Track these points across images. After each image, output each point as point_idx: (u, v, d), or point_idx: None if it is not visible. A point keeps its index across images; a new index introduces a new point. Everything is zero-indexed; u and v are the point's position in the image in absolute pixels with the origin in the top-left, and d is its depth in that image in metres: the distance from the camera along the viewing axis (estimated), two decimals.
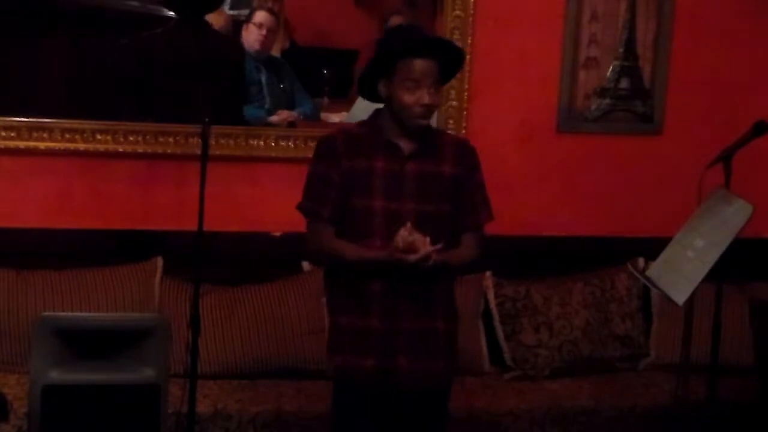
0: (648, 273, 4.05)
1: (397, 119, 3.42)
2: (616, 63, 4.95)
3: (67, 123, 4.51)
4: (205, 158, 3.89)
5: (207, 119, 3.91)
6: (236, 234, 4.62)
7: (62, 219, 4.55)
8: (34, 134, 4.50)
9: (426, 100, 3.37)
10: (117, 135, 4.56)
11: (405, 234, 3.26)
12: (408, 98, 3.36)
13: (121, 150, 4.56)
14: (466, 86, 4.77)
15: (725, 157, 3.91)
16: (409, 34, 3.54)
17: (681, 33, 4.98)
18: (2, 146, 4.48)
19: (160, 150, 4.59)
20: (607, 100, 4.96)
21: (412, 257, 3.26)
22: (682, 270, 3.82)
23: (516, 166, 4.90)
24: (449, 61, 3.45)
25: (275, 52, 5.09)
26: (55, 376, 3.59)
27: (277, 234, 4.65)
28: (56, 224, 4.53)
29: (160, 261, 4.59)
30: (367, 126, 3.50)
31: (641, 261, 4.82)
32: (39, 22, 4.61)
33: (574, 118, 4.94)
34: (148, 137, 4.58)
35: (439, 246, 3.30)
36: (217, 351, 4.43)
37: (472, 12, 4.74)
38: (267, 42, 4.99)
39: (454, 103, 4.79)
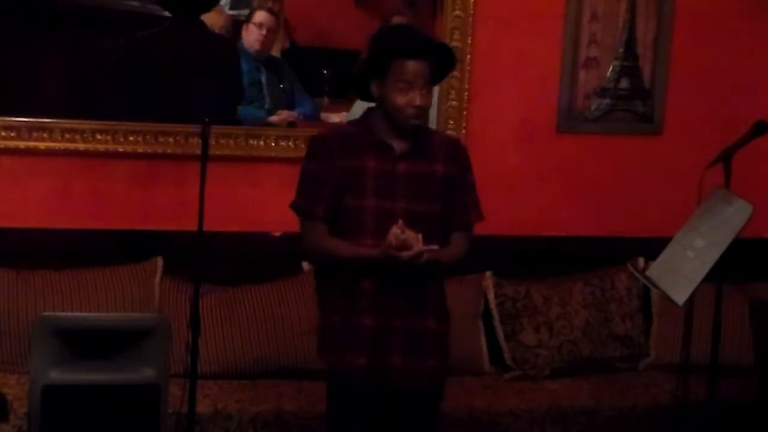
0: (648, 273, 4.05)
1: (389, 119, 3.43)
2: (616, 63, 4.95)
3: (67, 123, 4.51)
4: (205, 158, 3.89)
5: (207, 119, 3.91)
6: (236, 234, 4.62)
7: (62, 219, 4.55)
8: (34, 134, 4.50)
9: (418, 101, 3.37)
10: (117, 135, 4.56)
11: (397, 232, 3.27)
12: (400, 99, 3.37)
13: (121, 150, 4.56)
14: (466, 86, 4.77)
15: (725, 157, 3.91)
16: (401, 34, 3.54)
17: (681, 33, 4.98)
18: (2, 146, 4.48)
19: (160, 150, 4.59)
20: (607, 100, 4.96)
21: (405, 254, 3.26)
22: (682, 270, 3.82)
23: (516, 166, 4.91)
24: (441, 61, 3.45)
25: (275, 52, 5.09)
26: (55, 376, 3.59)
27: (277, 234, 4.65)
28: (56, 224, 4.53)
29: (160, 261, 4.58)
30: (359, 125, 3.52)
31: (641, 261, 4.82)
32: (39, 22, 4.60)
33: (574, 118, 4.94)
34: (148, 137, 4.58)
35: (433, 247, 3.30)
36: (217, 351, 4.43)
37: (472, 12, 4.74)
38: (267, 42, 4.99)
39: (454, 103, 4.79)
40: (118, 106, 4.66)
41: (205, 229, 3.88)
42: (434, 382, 3.55)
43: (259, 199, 4.66)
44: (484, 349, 4.74)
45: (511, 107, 4.87)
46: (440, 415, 3.63)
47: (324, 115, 5.04)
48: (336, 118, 4.96)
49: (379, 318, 3.42)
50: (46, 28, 4.63)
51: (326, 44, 5.22)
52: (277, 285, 4.60)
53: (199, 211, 3.85)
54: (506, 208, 4.87)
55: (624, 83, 4.96)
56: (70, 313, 4.21)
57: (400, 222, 3.29)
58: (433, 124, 4.78)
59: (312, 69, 5.12)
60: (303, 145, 4.63)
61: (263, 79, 5.01)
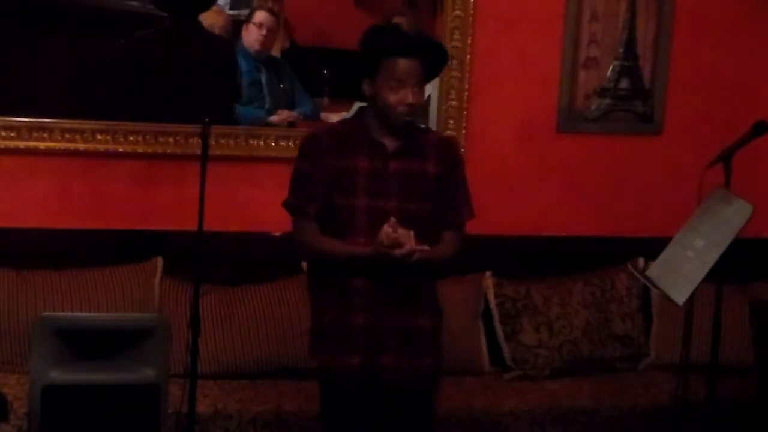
0: (648, 273, 4.06)
1: (381, 117, 3.43)
2: (616, 63, 4.95)
3: (67, 123, 4.51)
4: (205, 158, 3.89)
5: (207, 119, 3.91)
6: (236, 234, 4.62)
7: (62, 219, 4.55)
8: (34, 134, 4.50)
9: (410, 99, 3.38)
10: (117, 135, 4.56)
11: (389, 231, 3.27)
12: (392, 97, 3.38)
13: (121, 150, 4.56)
14: (466, 86, 4.77)
15: (725, 157, 3.91)
16: (390, 33, 3.54)
17: (681, 33, 4.98)
18: (2, 146, 4.48)
19: (160, 150, 4.59)
20: (607, 100, 4.96)
21: (397, 252, 3.26)
22: (682, 270, 3.82)
23: (516, 166, 4.91)
24: (433, 59, 3.45)
25: (275, 52, 5.09)
26: (55, 376, 3.59)
27: (277, 234, 4.65)
28: (56, 224, 4.53)
29: (160, 261, 4.59)
30: (351, 124, 3.52)
31: (641, 261, 4.82)
32: (39, 22, 4.60)
33: (574, 118, 4.94)
34: (148, 137, 4.58)
35: (425, 247, 3.31)
36: (217, 351, 4.43)
37: (472, 12, 4.74)
38: (267, 42, 4.99)
39: (454, 103, 4.79)
40: (118, 105, 4.67)
41: (205, 229, 3.88)
42: (428, 381, 3.56)
43: (259, 199, 4.65)
44: (484, 349, 4.74)
45: (511, 107, 4.87)
46: (435, 414, 3.63)
47: (324, 115, 5.04)
48: (336, 118, 4.95)
49: (372, 317, 3.43)
50: (46, 28, 4.63)
51: (326, 44, 5.22)
52: (277, 285, 4.60)
53: (199, 211, 3.85)
54: (506, 208, 4.88)
55: (624, 83, 4.96)
56: (70, 313, 4.21)
57: (393, 220, 3.29)
58: (433, 124, 4.79)
59: (312, 69, 5.12)
60: None
61: (263, 79, 5.01)
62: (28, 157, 4.51)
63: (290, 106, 5.03)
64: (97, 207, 4.58)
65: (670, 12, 4.95)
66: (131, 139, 4.57)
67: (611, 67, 4.95)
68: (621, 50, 4.95)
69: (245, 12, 5.03)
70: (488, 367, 4.73)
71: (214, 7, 4.97)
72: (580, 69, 4.92)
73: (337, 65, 5.06)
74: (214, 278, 4.42)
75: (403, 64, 3.36)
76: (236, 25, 5.03)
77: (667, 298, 3.90)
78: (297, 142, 4.68)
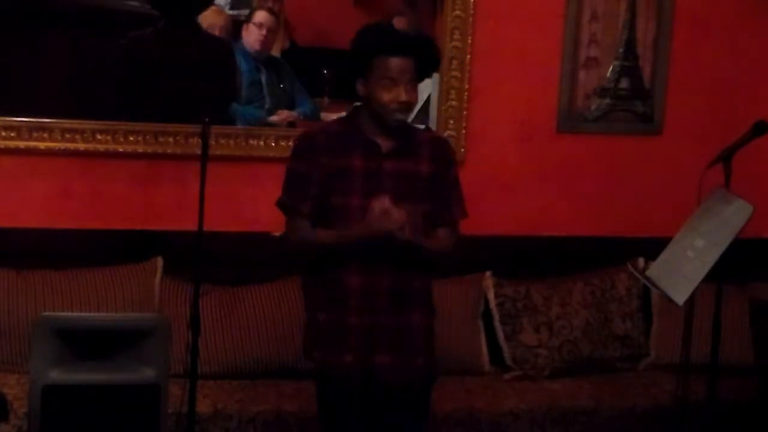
0: (648, 273, 4.06)
1: (375, 117, 3.43)
2: (616, 63, 4.95)
3: (67, 123, 4.51)
4: (205, 158, 3.89)
5: (207, 119, 3.91)
6: (236, 234, 4.62)
7: (62, 219, 4.55)
8: (34, 134, 4.50)
9: (403, 97, 3.38)
10: (117, 135, 4.56)
11: (381, 203, 3.29)
12: (385, 96, 3.38)
13: (121, 150, 4.56)
14: (466, 86, 4.77)
15: (725, 157, 3.91)
16: (382, 32, 3.54)
17: (681, 33, 4.98)
18: (2, 146, 4.48)
19: (160, 150, 4.59)
20: (607, 100, 4.96)
21: (388, 223, 3.28)
22: (682, 270, 3.82)
23: (516, 166, 4.90)
24: (425, 57, 3.45)
25: (275, 52, 5.09)
26: (55, 376, 3.59)
27: (277, 234, 4.62)
28: (56, 224, 4.53)
29: (160, 261, 4.59)
30: (345, 123, 3.53)
31: (641, 261, 4.82)
32: (38, 22, 4.60)
33: (574, 118, 4.94)
34: (148, 137, 4.58)
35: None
36: (217, 351, 4.43)
37: (472, 12, 4.74)
38: (267, 42, 4.99)
39: (454, 103, 4.79)
40: (117, 105, 4.67)
41: (205, 229, 3.88)
42: (422, 381, 3.56)
43: (259, 199, 4.65)
44: (484, 349, 4.74)
45: (511, 107, 4.87)
46: (430, 413, 3.63)
47: (324, 115, 5.04)
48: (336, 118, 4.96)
49: (366, 316, 3.43)
50: (46, 28, 4.63)
51: (326, 44, 5.22)
52: (277, 285, 4.61)
53: (199, 211, 3.84)
54: (506, 208, 4.88)
55: (624, 83, 4.96)
56: (70, 313, 4.21)
57: (385, 197, 3.31)
58: (433, 124, 4.79)
59: (312, 69, 5.12)
60: None
61: (263, 79, 5.01)
62: (28, 157, 4.51)
63: (290, 106, 5.04)
64: (97, 207, 4.58)
65: (670, 12, 4.95)
66: (131, 139, 4.57)
67: (611, 67, 4.95)
68: (621, 50, 4.95)
69: (245, 12, 5.04)
70: (488, 367, 4.73)
71: (214, 7, 4.98)
72: (580, 69, 4.92)
73: (337, 65, 5.06)
74: (214, 278, 4.42)
75: (395, 62, 3.37)
76: (236, 25, 5.03)
77: (667, 298, 3.90)
78: None
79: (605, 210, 5.00)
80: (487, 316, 4.78)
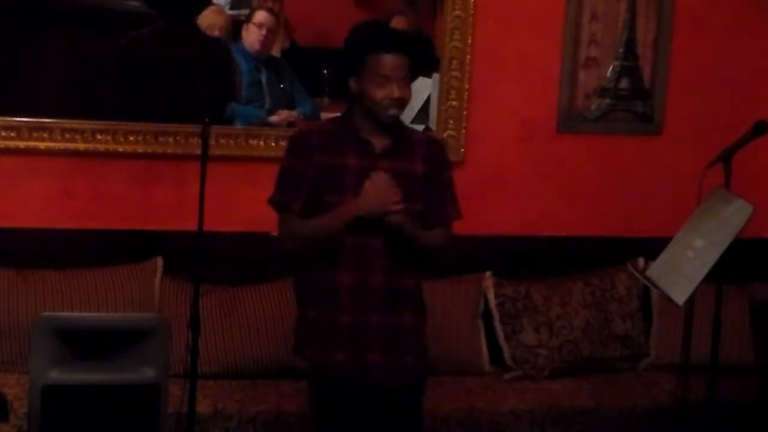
0: (648, 273, 4.05)
1: (368, 115, 3.43)
2: (616, 63, 4.95)
3: (67, 123, 4.51)
4: (205, 158, 3.89)
5: (207, 119, 3.91)
6: (236, 234, 4.62)
7: (62, 219, 4.55)
8: (34, 134, 4.50)
9: (396, 94, 3.38)
10: (117, 135, 4.56)
11: (379, 176, 3.31)
12: (378, 93, 3.38)
13: (121, 150, 4.56)
14: (466, 86, 4.77)
15: (725, 157, 3.91)
16: (374, 29, 3.54)
17: (681, 33, 4.98)
18: (2, 146, 4.48)
19: (160, 150, 4.59)
20: (607, 100, 4.96)
21: (382, 197, 3.31)
22: (682, 270, 3.82)
23: (516, 166, 4.91)
24: (419, 54, 3.45)
25: (275, 52, 5.09)
26: (55, 376, 3.59)
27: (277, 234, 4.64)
28: (56, 224, 4.53)
29: (160, 261, 4.59)
30: (340, 122, 3.53)
31: (641, 261, 4.82)
32: (39, 22, 4.60)
33: (574, 118, 4.94)
34: (148, 137, 4.58)
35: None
36: (217, 351, 4.43)
37: (472, 12, 4.74)
38: (267, 42, 4.99)
39: (454, 103, 4.79)
40: (117, 105, 4.67)
41: (205, 229, 3.88)
42: (413, 380, 3.55)
43: (259, 199, 4.62)
44: (484, 349, 4.74)
45: (511, 107, 4.87)
46: (423, 412, 3.62)
47: (324, 115, 5.03)
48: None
49: (356, 315, 3.43)
50: (46, 28, 4.63)
51: (326, 44, 5.21)
52: (277, 285, 4.60)
53: (199, 211, 3.84)
54: (506, 208, 4.88)
55: (624, 83, 4.96)
56: (70, 313, 4.21)
57: (382, 172, 3.34)
58: (433, 124, 4.79)
59: (312, 69, 5.12)
60: None
61: (263, 79, 5.01)
62: (28, 157, 4.51)
63: (290, 106, 5.04)
64: (97, 207, 4.58)
65: (670, 12, 4.95)
66: (131, 139, 4.57)
67: (611, 67, 4.95)
68: (621, 50, 4.95)
69: (245, 12, 5.04)
70: (488, 367, 4.73)
71: (214, 7, 4.98)
72: (580, 69, 4.92)
73: (332, 63, 5.07)
74: (214, 278, 4.42)
75: (388, 59, 3.37)
76: (236, 25, 5.03)
77: (667, 298, 3.90)
78: None
79: (605, 210, 5.00)
80: (487, 316, 4.78)
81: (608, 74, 4.95)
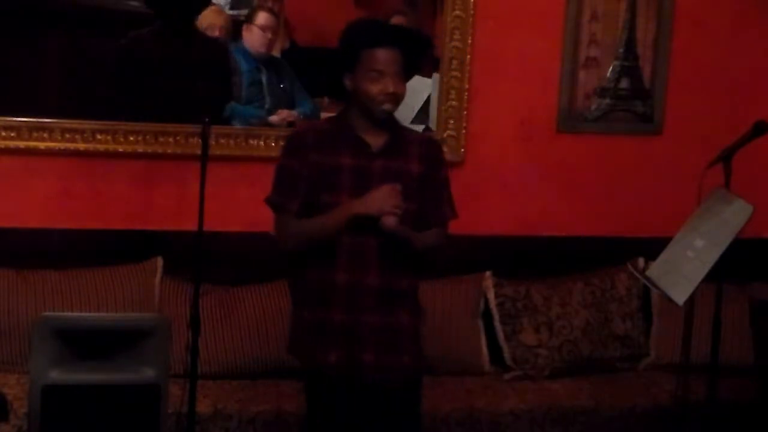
0: (648, 273, 4.05)
1: (364, 113, 3.43)
2: (616, 63, 4.95)
3: (67, 123, 4.51)
4: (205, 158, 3.89)
5: (207, 119, 3.91)
6: (236, 234, 4.62)
7: (62, 219, 4.55)
8: (34, 134, 4.50)
9: (390, 89, 3.37)
10: (117, 135, 4.56)
11: (393, 186, 3.32)
12: (373, 88, 3.37)
13: (121, 150, 4.56)
14: (466, 86, 4.77)
15: (725, 157, 3.91)
16: (367, 25, 3.54)
17: (681, 33, 4.98)
18: (2, 146, 4.48)
19: (160, 150, 4.59)
20: (607, 100, 4.96)
21: (386, 203, 3.30)
22: (682, 270, 3.82)
23: (516, 166, 4.90)
24: (413, 49, 3.45)
25: (275, 52, 5.09)
26: (55, 376, 3.59)
27: None
28: (56, 224, 4.54)
29: (160, 261, 4.59)
30: (336, 122, 3.52)
31: (641, 261, 4.82)
32: (39, 22, 4.60)
33: (574, 118, 4.94)
34: (148, 137, 4.58)
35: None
36: (217, 351, 4.43)
37: (472, 12, 4.74)
38: (270, 44, 4.99)
39: (454, 103, 4.79)
40: (117, 105, 4.67)
41: (205, 229, 3.88)
42: (409, 380, 3.54)
43: (259, 199, 4.62)
44: (484, 349, 4.74)
45: (511, 107, 4.87)
46: (429, 413, 3.62)
47: (324, 115, 5.03)
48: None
49: (351, 314, 3.43)
50: (46, 28, 4.63)
51: (326, 44, 5.21)
52: (277, 285, 4.60)
53: (199, 211, 3.85)
54: (506, 208, 4.88)
55: (624, 83, 4.96)
56: (70, 313, 4.21)
57: (398, 185, 3.35)
58: (433, 124, 4.79)
59: (312, 69, 5.11)
60: None
61: (263, 79, 5.00)
62: (28, 157, 4.51)
63: (290, 106, 5.03)
64: (97, 207, 4.58)
65: (670, 12, 4.95)
66: (131, 139, 4.57)
67: (611, 67, 4.95)
68: (621, 50, 4.95)
69: (245, 12, 5.03)
70: (488, 367, 4.73)
71: (214, 7, 4.98)
72: (580, 69, 4.92)
73: (326, 62, 5.06)
74: (214, 278, 4.42)
75: (381, 54, 3.37)
76: (236, 25, 5.03)
77: (667, 298, 3.90)
78: None
79: (605, 210, 5.00)
80: (487, 316, 4.78)
81: (608, 74, 4.95)
